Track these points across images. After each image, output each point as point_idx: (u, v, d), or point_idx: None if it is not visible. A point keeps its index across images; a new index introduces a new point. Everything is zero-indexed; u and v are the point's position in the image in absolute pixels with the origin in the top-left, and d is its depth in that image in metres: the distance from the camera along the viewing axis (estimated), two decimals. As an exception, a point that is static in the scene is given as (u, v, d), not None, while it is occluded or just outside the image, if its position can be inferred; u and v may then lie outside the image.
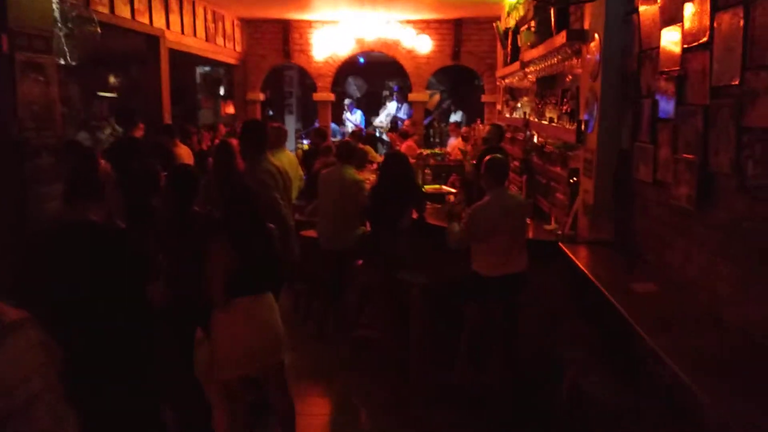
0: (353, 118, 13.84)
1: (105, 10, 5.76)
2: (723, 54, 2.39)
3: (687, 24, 2.70)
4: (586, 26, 4.06)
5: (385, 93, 15.33)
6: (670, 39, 2.88)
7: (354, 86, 15.13)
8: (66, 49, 4.44)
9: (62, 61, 4.44)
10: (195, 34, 8.17)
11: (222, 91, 13.36)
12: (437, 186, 6.55)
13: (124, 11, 6.15)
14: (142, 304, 2.63)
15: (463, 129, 9.87)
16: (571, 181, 4.28)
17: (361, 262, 4.63)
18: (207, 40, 8.64)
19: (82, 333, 2.34)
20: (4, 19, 2.65)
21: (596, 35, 3.75)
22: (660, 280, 2.99)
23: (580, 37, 4.08)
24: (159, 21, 7.01)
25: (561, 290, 3.81)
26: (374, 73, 14.61)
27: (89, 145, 9.99)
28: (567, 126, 4.55)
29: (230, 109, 11.32)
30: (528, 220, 4.60)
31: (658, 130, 3.07)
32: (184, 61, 9.73)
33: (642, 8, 3.25)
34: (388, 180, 4.56)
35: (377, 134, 14.36)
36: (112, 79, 12.82)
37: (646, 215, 3.31)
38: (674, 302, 2.77)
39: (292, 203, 5.85)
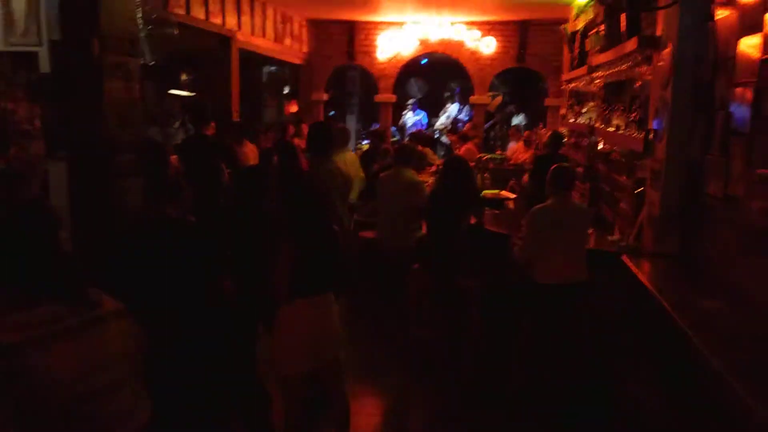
0: (416, 119, 13.87)
1: (182, 11, 6.04)
2: (806, 67, 2.29)
3: (767, 33, 2.60)
4: (659, 32, 3.95)
5: (447, 94, 15.29)
6: (749, 48, 2.78)
7: (415, 87, 15.17)
8: (146, 50, 4.70)
9: (142, 61, 4.70)
10: (264, 35, 8.43)
11: (286, 90, 13.71)
12: (496, 191, 6.50)
13: (199, 12, 6.42)
14: (217, 296, 2.77)
15: (525, 133, 9.74)
16: (637, 191, 4.18)
17: (417, 265, 4.67)
18: (275, 40, 8.89)
19: (167, 323, 2.49)
20: (97, 24, 2.84)
21: (669, 42, 3.64)
22: (726, 299, 2.89)
23: (651, 44, 3.98)
24: (231, 22, 7.28)
25: (622, 303, 3.73)
26: (436, 74, 14.59)
27: (160, 140, 10.52)
28: (634, 134, 4.43)
29: (293, 108, 11.60)
30: (590, 230, 4.53)
31: (731, 144, 2.96)
32: (251, 60, 10.07)
33: (719, 15, 3.14)
34: (446, 184, 4.58)
35: (437, 136, 14.37)
36: (184, 77, 13.40)
37: (714, 231, 3.20)
38: (740, 321, 2.67)
39: (349, 203, 5.99)
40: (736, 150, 2.89)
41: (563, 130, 8.62)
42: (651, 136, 3.92)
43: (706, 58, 3.34)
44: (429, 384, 4.32)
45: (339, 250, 3.09)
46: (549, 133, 7.66)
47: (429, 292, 4.61)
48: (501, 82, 14.07)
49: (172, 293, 2.54)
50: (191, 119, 8.14)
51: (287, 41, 9.42)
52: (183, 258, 2.59)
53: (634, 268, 3.53)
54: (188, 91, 12.71)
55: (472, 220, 4.63)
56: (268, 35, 8.58)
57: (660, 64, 3.82)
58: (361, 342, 5.09)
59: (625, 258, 3.74)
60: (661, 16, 3.92)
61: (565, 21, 8.39)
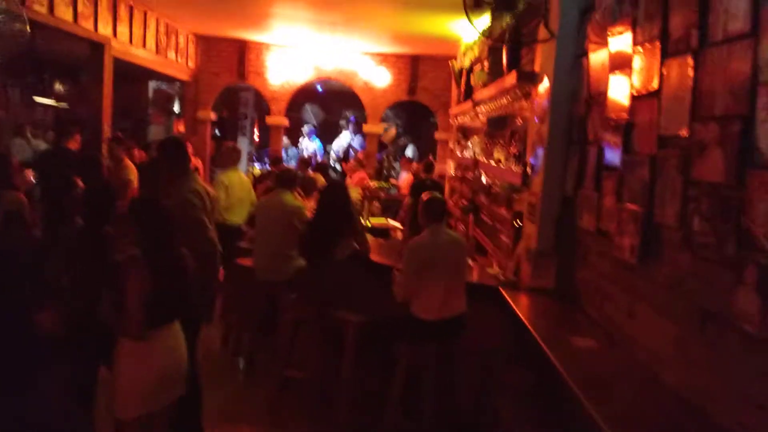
0: (311, 146, 13.64)
1: (42, 9, 5.42)
2: (671, 103, 2.31)
3: (636, 71, 2.64)
4: (537, 68, 4.02)
5: (342, 122, 15.24)
6: (619, 85, 2.82)
7: (311, 113, 14.99)
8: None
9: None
10: (144, 46, 7.85)
11: (177, 108, 12.98)
12: (383, 219, 6.37)
13: (65, 13, 5.81)
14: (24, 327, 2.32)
15: (414, 165, 9.82)
16: (515, 224, 4.18)
17: (295, 296, 4.36)
18: (157, 52, 8.32)
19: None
20: None
21: (546, 77, 3.69)
22: (600, 335, 2.87)
23: (530, 79, 4.03)
24: (105, 28, 6.68)
25: (500, 337, 3.64)
26: (332, 101, 14.53)
27: (16, 151, 9.48)
28: (513, 168, 4.47)
29: (182, 127, 10.96)
30: (470, 262, 4.46)
31: (603, 178, 2.99)
32: (135, 74, 9.37)
33: (592, 53, 3.20)
34: (324, 209, 4.33)
35: (331, 163, 14.21)
36: (58, 86, 12.30)
37: (588, 265, 3.20)
38: (613, 360, 2.63)
39: (234, 227, 5.58)
40: (608, 185, 2.91)
41: (451, 163, 8.78)
42: (528, 170, 3.94)
43: (580, 94, 3.40)
44: (302, 425, 3.99)
45: (188, 278, 2.76)
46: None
47: (306, 324, 4.30)
48: (395, 114, 14.26)
49: None
50: (56, 130, 7.38)
51: (171, 54, 8.87)
52: None
53: (511, 303, 3.46)
54: (59, 100, 11.64)
55: (354, 248, 4.40)
56: (149, 46, 8.01)
57: (537, 99, 3.87)
58: (233, 380, 4.65)
59: (502, 291, 3.68)
60: (539, 52, 3.99)
61: (454, 57, 8.60)
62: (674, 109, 2.28)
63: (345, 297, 4.12)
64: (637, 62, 2.63)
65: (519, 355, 3.43)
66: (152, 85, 12.92)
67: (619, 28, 2.85)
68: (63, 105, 11.23)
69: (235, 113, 14.19)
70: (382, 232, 5.69)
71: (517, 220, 4.13)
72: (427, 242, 3.61)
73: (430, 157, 9.17)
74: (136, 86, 11.79)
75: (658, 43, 2.43)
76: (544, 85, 3.70)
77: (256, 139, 14.98)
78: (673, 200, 2.26)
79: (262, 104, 11.94)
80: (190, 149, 8.76)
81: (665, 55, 2.38)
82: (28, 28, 4.31)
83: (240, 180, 5.77)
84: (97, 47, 6.69)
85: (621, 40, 2.82)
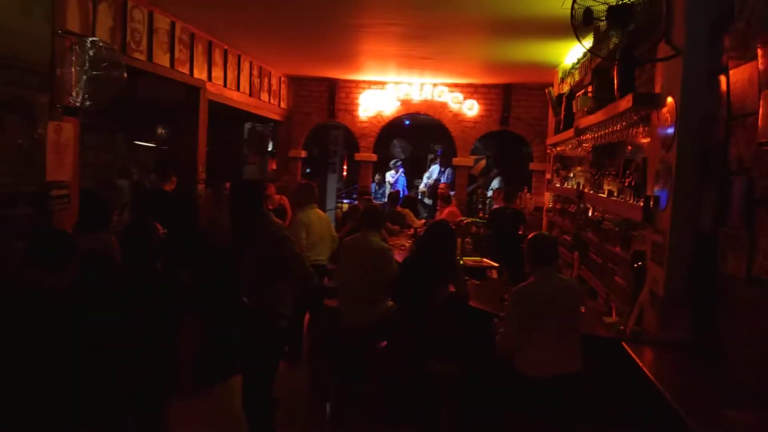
0: (398, 177, 13.50)
1: (142, 57, 5.61)
2: None
3: (800, 84, 2.16)
4: (658, 89, 3.54)
5: (431, 156, 15.04)
6: (775, 103, 2.33)
7: (399, 148, 14.91)
8: (87, 92, 4.21)
9: (77, 104, 4.21)
10: (239, 88, 8.04)
11: (270, 147, 13.34)
12: (477, 258, 5.96)
13: (163, 60, 6.00)
14: (108, 389, 2.16)
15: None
16: (636, 265, 3.65)
17: (385, 343, 4.05)
18: (251, 94, 8.51)
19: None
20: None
21: (670, 99, 3.22)
22: (761, 409, 2.31)
23: (649, 102, 3.56)
24: (200, 72, 6.87)
25: (622, 400, 3.12)
26: (420, 136, 14.38)
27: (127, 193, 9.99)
28: (630, 201, 3.97)
29: (274, 165, 11.19)
30: (582, 309, 3.97)
31: (756, 215, 2.47)
32: (231, 116, 9.69)
33: (733, 68, 2.72)
34: (424, 251, 4.02)
35: (419, 197, 13.98)
36: (161, 131, 13.04)
37: (737, 318, 2.66)
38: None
39: (318, 265, 5.41)
40: (764, 223, 2.39)
41: (549, 196, 8.25)
42: (652, 204, 3.44)
43: (716, 115, 2.90)
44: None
45: (246, 327, 2.53)
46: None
47: (398, 375, 3.96)
48: (484, 146, 13.86)
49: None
50: (156, 173, 7.66)
51: (264, 96, 9.05)
52: (35, 340, 1.99)
53: (636, 359, 2.95)
54: (159, 143, 12.27)
55: (451, 288, 4.03)
56: (243, 88, 8.20)
57: (660, 124, 3.38)
58: (308, 427, 4.37)
59: (625, 345, 3.17)
60: (660, 70, 3.53)
61: (550, 84, 8.15)
62: None
63: (440, 346, 3.75)
64: (802, 73, 2.14)
65: (645, 423, 2.89)
66: (247, 126, 13.39)
67: (771, 36, 2.37)
68: (164, 148, 11.82)
69: (326, 151, 14.37)
70: (478, 272, 5.28)
71: (639, 262, 3.60)
72: (537, 289, 3.18)
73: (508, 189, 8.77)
74: (232, 128, 12.24)
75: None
76: (669, 108, 3.23)
77: (345, 174, 15.10)
78: None
79: (351, 141, 12.01)
80: (272, 188, 8.93)
81: None
82: (125, 74, 4.40)
83: (318, 217, 5.59)
84: (192, 91, 6.87)
85: (775, 49, 2.34)
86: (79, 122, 4.54)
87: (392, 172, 13.68)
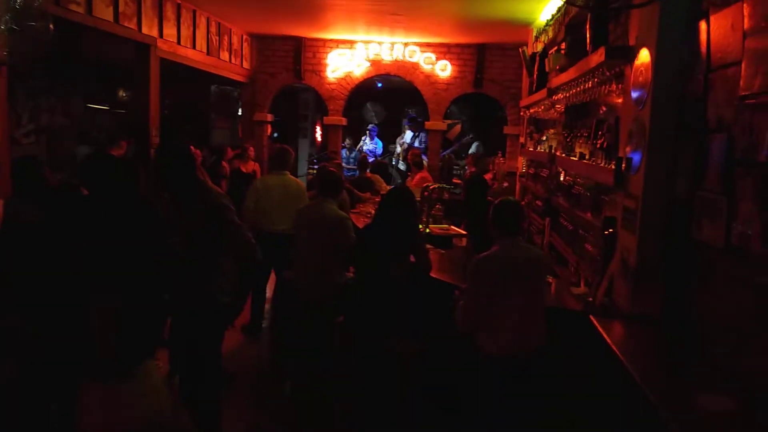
0: (370, 146, 13.14)
1: (80, 9, 5.12)
2: None
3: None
4: (632, 42, 3.25)
5: (405, 121, 14.66)
6: (763, 46, 2.05)
7: (372, 113, 14.49)
8: (9, 46, 3.78)
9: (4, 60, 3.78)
10: (194, 46, 7.54)
11: (240, 112, 12.80)
12: (445, 226, 5.69)
13: (105, 13, 5.51)
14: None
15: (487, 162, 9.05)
16: (606, 233, 3.41)
17: (342, 318, 3.79)
18: (209, 53, 8.01)
19: None
20: None
21: (645, 50, 2.93)
22: (736, 392, 2.10)
23: (622, 54, 3.27)
24: (150, 28, 6.38)
25: (589, 378, 2.91)
26: (394, 99, 13.96)
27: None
28: (602, 164, 3.71)
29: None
30: (549, 278, 3.74)
31: (737, 177, 2.21)
32: (194, 77, 9.17)
33: (715, 13, 2.42)
34: (384, 219, 3.73)
35: (393, 163, 13.65)
36: (121, 93, 12.39)
37: (712, 291, 2.43)
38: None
39: (282, 234, 5.11)
40: (744, 186, 2.14)
41: (522, 160, 7.99)
42: (623, 166, 3.17)
43: (695, 67, 2.62)
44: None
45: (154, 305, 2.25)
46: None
47: (355, 354, 3.72)
48: (459, 109, 13.51)
49: None
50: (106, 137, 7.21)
51: (224, 55, 8.55)
52: None
53: (605, 336, 2.72)
54: (112, 106, 11.67)
55: (412, 259, 3.75)
56: (200, 46, 7.70)
57: (634, 79, 3.10)
58: (277, 407, 4.13)
59: (593, 320, 2.94)
60: (635, 21, 3.22)
61: (525, 44, 7.80)
62: None
63: (400, 322, 3.50)
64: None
65: (618, 408, 2.69)
66: (213, 88, 12.81)
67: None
68: (119, 111, 11.24)
69: (296, 115, 13.90)
70: (444, 241, 5.01)
71: (609, 229, 3.36)
72: (499, 259, 2.92)
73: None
74: (197, 90, 11.66)
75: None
76: (644, 61, 2.94)
77: (319, 140, 14.66)
78: None
79: (322, 104, 11.58)
80: (251, 152, 8.51)
81: None
82: (51, 26, 3.96)
83: (282, 183, 5.23)
84: (142, 48, 6.40)
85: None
86: (6, 80, 4.12)
87: (366, 139, 13.28)
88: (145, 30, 6.26)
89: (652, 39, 2.85)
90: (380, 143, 13.51)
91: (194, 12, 7.45)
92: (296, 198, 5.15)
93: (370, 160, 10.17)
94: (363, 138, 13.33)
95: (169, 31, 6.84)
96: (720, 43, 2.39)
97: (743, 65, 2.17)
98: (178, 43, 7.08)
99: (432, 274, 3.76)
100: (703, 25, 2.53)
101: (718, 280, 2.37)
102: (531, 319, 2.89)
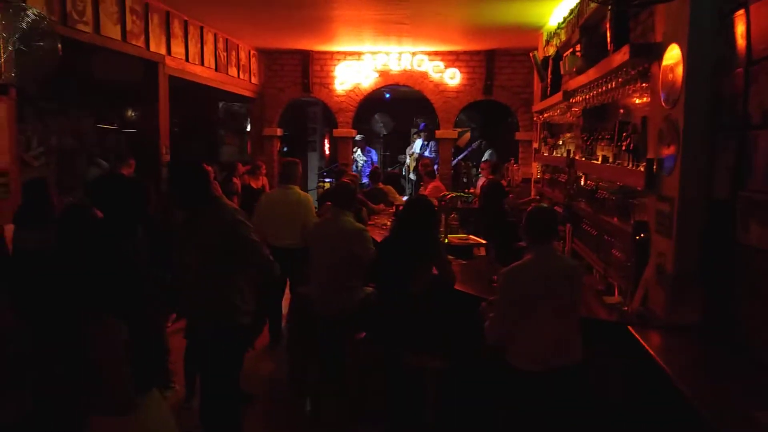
0: (362, 159, 12.91)
1: (87, 29, 5.08)
2: None
3: None
4: (659, 38, 3.12)
5: (414, 131, 14.54)
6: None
7: (380, 123, 14.40)
8: (15, 68, 3.71)
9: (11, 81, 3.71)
10: (203, 63, 7.50)
11: (249, 127, 12.75)
12: (464, 235, 5.56)
13: (113, 32, 5.47)
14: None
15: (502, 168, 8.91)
16: (638, 237, 3.27)
17: (363, 334, 3.66)
18: (217, 69, 7.96)
19: None
20: None
21: (675, 47, 2.80)
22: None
23: (649, 52, 3.14)
24: (158, 46, 6.33)
25: (629, 393, 2.75)
26: (402, 109, 13.88)
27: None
28: (628, 166, 3.57)
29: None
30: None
31: (786, 175, 2.07)
32: (203, 95, 9.13)
33: (755, 1, 2.29)
34: (402, 230, 3.61)
35: (404, 174, 13.52)
36: (130, 113, 12.39)
37: (760, 298, 2.28)
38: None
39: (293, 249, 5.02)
40: (798, 184, 2.00)
41: (537, 166, 7.85)
42: (654, 168, 3.03)
43: (732, 62, 2.49)
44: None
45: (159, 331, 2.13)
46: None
47: (377, 371, 3.58)
48: (468, 117, 13.39)
49: None
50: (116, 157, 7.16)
51: (232, 71, 8.50)
52: None
53: (647, 347, 2.57)
54: (122, 126, 11.66)
55: (435, 271, 3.61)
56: (208, 63, 7.65)
57: (663, 77, 2.96)
58: (286, 425, 3.99)
59: (631, 330, 2.79)
60: (660, 16, 3.10)
61: (534, 49, 7.69)
62: None
63: (424, 337, 3.36)
64: None
65: (665, 425, 2.53)
66: (222, 105, 12.79)
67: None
68: (128, 131, 11.23)
69: (304, 128, 13.85)
70: (464, 251, 4.88)
71: (641, 233, 3.21)
72: (532, 269, 2.77)
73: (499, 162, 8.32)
74: (206, 107, 11.63)
75: None
76: (673, 57, 2.81)
77: (328, 153, 14.58)
78: None
79: (330, 117, 11.49)
80: (263, 168, 8.44)
81: None
82: (59, 46, 3.89)
83: (286, 197, 5.13)
84: (150, 66, 6.35)
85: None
86: (15, 102, 4.06)
87: (359, 151, 12.97)
88: (153, 48, 6.22)
89: (682, 34, 2.72)
90: (374, 153, 13.40)
91: (201, 29, 7.41)
92: (300, 212, 5.04)
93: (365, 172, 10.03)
94: (354, 150, 12.97)
95: (177, 48, 6.80)
96: (760, 33, 2.25)
97: (790, 55, 2.04)
98: (186, 60, 7.04)
99: (456, 287, 3.62)
100: (741, 14, 2.40)
101: (766, 284, 2.21)
102: (566, 333, 2.74)
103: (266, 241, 4.95)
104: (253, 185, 8.41)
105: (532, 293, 2.71)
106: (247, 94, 9.32)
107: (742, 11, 2.37)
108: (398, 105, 13.56)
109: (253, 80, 9.41)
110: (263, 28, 8.04)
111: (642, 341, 2.60)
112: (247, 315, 3.05)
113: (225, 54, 8.23)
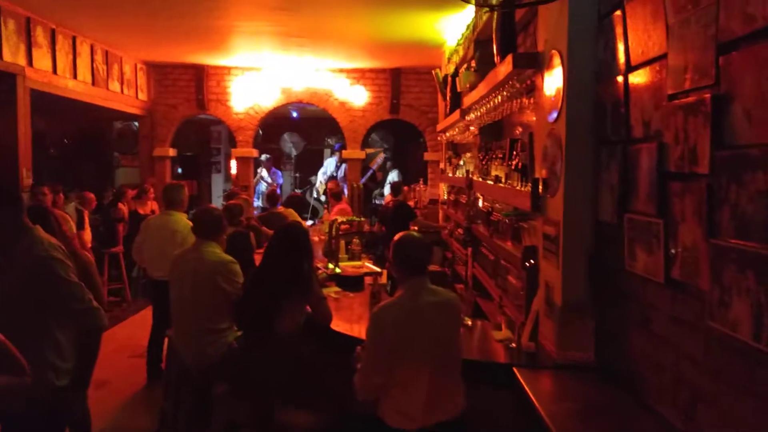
0: (268, 179, 12.37)
1: None
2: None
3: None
4: (540, 48, 2.86)
5: (327, 151, 14.13)
6: (690, 35, 1.66)
7: (290, 143, 13.89)
8: None
9: None
10: (75, 76, 6.75)
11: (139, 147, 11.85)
12: (359, 263, 5.14)
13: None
14: None
15: (404, 189, 8.64)
16: (528, 264, 2.97)
17: (224, 387, 3.13)
18: (94, 84, 7.22)
19: None
20: None
21: (556, 55, 2.53)
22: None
23: (531, 61, 2.88)
24: (15, 56, 5.59)
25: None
26: (312, 129, 13.46)
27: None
28: (518, 187, 3.29)
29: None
30: (468, 321, 3.25)
31: (671, 194, 1.79)
32: (96, 114, 8.30)
33: (631, 0, 2.04)
34: (269, 262, 3.15)
35: (314, 195, 13.06)
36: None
37: (651, 336, 1.99)
38: None
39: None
40: (683, 206, 1.71)
41: (443, 187, 7.63)
42: (540, 188, 2.75)
43: (613, 68, 2.23)
44: None
45: None
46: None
47: (242, 427, 3.06)
48: (381, 138, 13.16)
49: None
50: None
51: (113, 85, 7.77)
52: None
53: (531, 396, 2.22)
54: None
55: (306, 315, 3.17)
56: (83, 76, 6.91)
57: (546, 89, 2.70)
58: None
59: (516, 372, 2.45)
60: (542, 23, 2.85)
61: (439, 67, 7.51)
62: None
63: (293, 388, 2.88)
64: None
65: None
66: (117, 125, 11.86)
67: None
68: None
69: (207, 149, 13.12)
70: (353, 282, 4.45)
71: (530, 260, 2.91)
72: (402, 307, 2.38)
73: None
74: (99, 128, 10.71)
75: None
76: (555, 67, 2.54)
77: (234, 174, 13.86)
78: None
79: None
80: (150, 192, 7.73)
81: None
82: None
83: (164, 224, 4.59)
84: (6, 78, 5.58)
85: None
86: None
87: (263, 171, 12.41)
88: (7, 57, 5.47)
89: (562, 39, 2.46)
90: (279, 173, 12.93)
91: (74, 38, 6.69)
92: (176, 241, 4.45)
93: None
94: (258, 170, 12.38)
95: (42, 59, 6.05)
96: (640, 34, 2.00)
97: (669, 57, 1.77)
98: (54, 72, 6.29)
99: (333, 326, 3.18)
100: (618, 16, 2.15)
101: (659, 320, 1.92)
102: (445, 380, 2.36)
103: (144, 272, 4.42)
104: (140, 211, 7.69)
105: (402, 336, 2.30)
106: (133, 111, 8.58)
107: (619, 12, 2.12)
108: (309, 124, 13.14)
109: (141, 96, 8.68)
110: (149, 40, 7.41)
111: (525, 386, 2.26)
112: (64, 373, 2.46)
113: (104, 67, 7.50)
